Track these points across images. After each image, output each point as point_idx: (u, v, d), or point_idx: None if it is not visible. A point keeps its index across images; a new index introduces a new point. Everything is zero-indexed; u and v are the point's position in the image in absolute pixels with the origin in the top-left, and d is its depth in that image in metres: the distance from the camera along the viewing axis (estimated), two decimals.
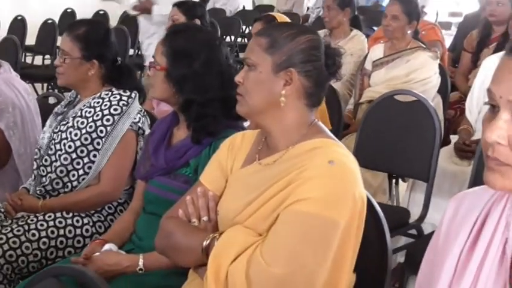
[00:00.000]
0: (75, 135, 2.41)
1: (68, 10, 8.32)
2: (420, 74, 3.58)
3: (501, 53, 1.09)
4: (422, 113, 2.86)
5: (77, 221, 2.38)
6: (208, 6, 9.29)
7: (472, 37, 4.44)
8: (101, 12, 8.21)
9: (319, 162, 1.51)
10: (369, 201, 1.73)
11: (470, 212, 1.20)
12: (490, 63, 3.02)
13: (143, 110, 2.53)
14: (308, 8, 8.99)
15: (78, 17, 7.98)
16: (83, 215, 2.40)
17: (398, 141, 2.96)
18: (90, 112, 2.43)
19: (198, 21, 3.54)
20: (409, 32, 3.69)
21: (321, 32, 4.34)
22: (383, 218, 1.74)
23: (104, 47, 2.51)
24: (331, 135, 1.67)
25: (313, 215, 1.46)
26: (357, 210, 1.52)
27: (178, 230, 1.69)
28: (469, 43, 4.39)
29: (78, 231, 2.37)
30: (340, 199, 1.49)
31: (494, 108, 1.06)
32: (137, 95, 2.49)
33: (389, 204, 3.19)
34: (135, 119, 2.44)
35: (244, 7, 9.43)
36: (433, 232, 1.35)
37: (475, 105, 3.15)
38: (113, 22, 7.86)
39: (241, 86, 1.63)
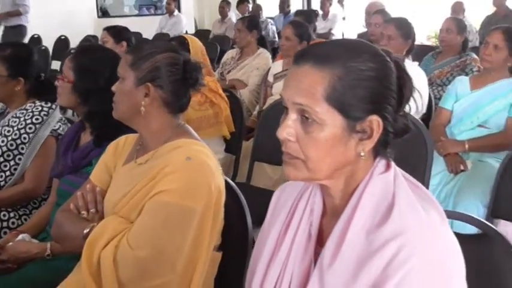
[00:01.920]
0: (2, 141, 2.36)
1: (35, 36, 8.10)
2: None
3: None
4: None
5: (4, 216, 2.29)
6: (156, 31, 9.27)
7: None
8: (62, 37, 8.01)
9: (178, 159, 1.50)
10: (232, 189, 1.73)
11: (288, 200, 1.20)
12: None
13: (63, 119, 2.48)
14: None
15: (44, 41, 7.91)
16: (10, 210, 2.32)
17: None
18: (15, 122, 2.38)
19: (124, 44, 3.47)
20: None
21: (233, 51, 4.36)
22: (243, 201, 1.73)
23: (28, 66, 2.45)
24: (195, 136, 1.65)
25: (171, 204, 1.45)
26: (212, 199, 1.51)
27: (68, 221, 1.66)
28: None
29: (5, 224, 2.28)
30: (197, 189, 1.48)
31: (285, 110, 1.05)
32: (58, 106, 2.42)
33: None
34: (55, 126, 2.39)
35: (186, 31, 9.35)
36: None
37: None
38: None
39: (115, 94, 1.61)
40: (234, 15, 9.44)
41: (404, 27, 3.27)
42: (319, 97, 0.99)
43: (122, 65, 1.61)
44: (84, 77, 1.98)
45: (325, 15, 8.64)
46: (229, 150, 3.24)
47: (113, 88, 1.62)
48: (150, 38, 8.64)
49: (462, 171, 2.77)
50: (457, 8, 6.72)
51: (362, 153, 1.02)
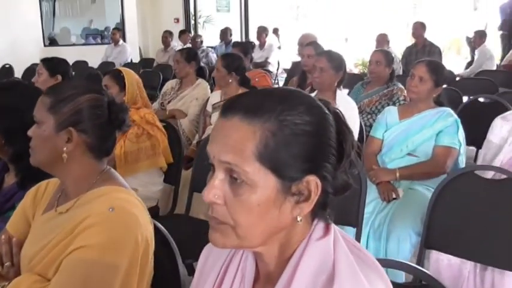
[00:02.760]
0: None
1: None
2: None
3: None
4: None
5: None
6: (102, 59, 8.91)
7: (293, 82, 4.37)
8: (7, 65, 7.54)
9: (100, 210, 1.26)
10: (164, 236, 1.51)
11: (216, 262, 0.99)
12: None
13: None
14: None
15: None
16: None
17: None
18: None
19: (59, 77, 3.17)
20: (230, 81, 3.50)
21: (173, 81, 4.14)
22: (175, 249, 1.49)
23: None
24: (121, 181, 1.41)
25: (91, 261, 1.20)
26: (139, 252, 1.27)
27: None
28: (291, 86, 4.29)
29: None
30: (120, 243, 1.24)
31: (212, 168, 0.85)
32: None
33: None
34: None
35: (131, 60, 9.04)
36: None
37: None
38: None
39: (32, 139, 1.35)
40: (176, 44, 9.22)
41: (335, 60, 3.14)
42: (249, 155, 0.79)
43: (38, 108, 1.35)
44: (6, 116, 1.71)
45: (262, 45, 8.55)
46: (168, 181, 3.01)
47: (29, 133, 1.36)
48: (96, 66, 8.31)
49: (394, 199, 2.65)
50: (381, 40, 6.75)
51: (299, 218, 0.83)
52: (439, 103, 2.87)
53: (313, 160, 0.81)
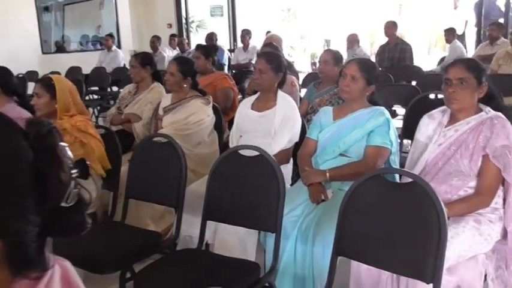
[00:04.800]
0: None
1: None
2: (195, 117, 3.20)
3: None
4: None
5: None
6: (96, 65, 8.74)
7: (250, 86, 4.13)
8: None
9: None
10: None
11: None
12: None
13: None
14: None
15: None
16: None
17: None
18: None
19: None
20: (185, 85, 3.29)
21: (131, 85, 3.93)
22: None
23: None
24: None
25: None
26: None
27: None
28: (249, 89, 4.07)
29: None
30: None
31: None
32: None
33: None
34: None
35: (125, 64, 8.85)
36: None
37: None
38: None
39: None
40: (166, 48, 9.03)
41: (274, 61, 2.91)
42: None
43: None
44: None
45: (246, 48, 8.33)
46: (107, 187, 2.81)
47: None
48: (89, 71, 8.17)
49: (323, 201, 2.43)
50: (352, 39, 6.51)
51: None
52: (373, 102, 2.64)
53: None
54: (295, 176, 2.95)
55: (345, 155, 2.55)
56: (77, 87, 6.02)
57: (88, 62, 8.86)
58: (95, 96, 8.07)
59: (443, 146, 2.14)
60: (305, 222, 2.35)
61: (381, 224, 1.78)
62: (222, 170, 2.30)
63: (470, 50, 7.87)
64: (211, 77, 4.22)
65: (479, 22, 7.79)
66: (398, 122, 5.07)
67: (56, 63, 8.80)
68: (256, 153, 2.24)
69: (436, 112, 2.28)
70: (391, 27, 6.51)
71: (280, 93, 2.95)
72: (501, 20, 7.20)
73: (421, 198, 1.71)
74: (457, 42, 6.85)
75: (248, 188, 2.23)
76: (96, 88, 8.04)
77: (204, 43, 8.93)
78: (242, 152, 2.30)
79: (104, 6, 10.48)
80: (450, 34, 6.92)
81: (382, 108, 2.57)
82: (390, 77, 5.24)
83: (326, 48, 13.54)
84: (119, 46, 9.96)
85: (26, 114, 2.85)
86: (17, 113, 2.92)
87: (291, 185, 2.89)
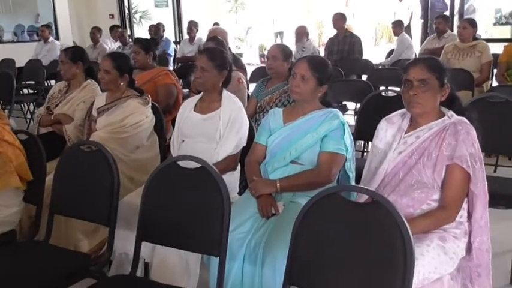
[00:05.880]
0: None
1: None
2: (132, 119, 2.88)
3: None
4: None
5: None
6: (32, 57, 8.13)
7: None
8: None
9: None
10: None
11: None
12: None
13: None
14: None
15: None
16: None
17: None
18: None
19: None
20: (121, 83, 2.96)
21: (61, 83, 3.54)
22: None
23: None
24: None
25: None
26: None
27: None
28: (193, 87, 3.75)
29: None
30: None
31: None
32: None
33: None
34: None
35: None
36: None
37: None
38: None
39: None
40: (108, 40, 8.52)
41: (218, 58, 2.63)
42: None
43: None
44: None
45: (192, 40, 7.97)
46: (30, 200, 2.45)
47: None
48: (23, 64, 7.57)
49: (274, 215, 2.18)
50: (301, 31, 6.29)
51: None
52: (326, 103, 2.42)
53: None
54: (243, 185, 2.69)
55: (296, 162, 2.31)
56: (6, 81, 5.54)
57: (23, 53, 8.23)
58: (30, 91, 7.51)
59: (403, 154, 1.93)
60: (254, 240, 2.09)
61: (339, 249, 1.55)
62: (159, 183, 2.00)
63: (416, 43, 7.84)
64: (151, 72, 3.89)
65: (425, 14, 7.77)
66: (349, 118, 4.95)
67: None
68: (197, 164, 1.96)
69: (394, 116, 2.07)
70: (339, 20, 6.33)
71: (225, 93, 2.68)
72: (446, 13, 7.19)
73: (383, 219, 1.49)
74: (405, 35, 6.77)
75: (188, 205, 1.95)
76: (32, 82, 7.47)
77: (148, 35, 8.55)
78: (182, 163, 2.02)
79: None
80: (397, 26, 6.83)
81: (336, 111, 2.35)
82: (340, 72, 5.07)
83: (279, 41, 13.37)
84: (57, 37, 9.35)
85: None
86: None
87: (239, 193, 2.63)
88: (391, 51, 7.01)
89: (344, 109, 5.05)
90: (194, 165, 1.97)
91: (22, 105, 7.19)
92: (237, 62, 4.21)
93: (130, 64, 3.05)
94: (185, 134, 2.67)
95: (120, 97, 2.97)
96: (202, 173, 1.92)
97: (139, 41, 4.03)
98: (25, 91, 7.64)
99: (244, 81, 3.74)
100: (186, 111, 2.71)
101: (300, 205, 2.14)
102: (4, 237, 2.32)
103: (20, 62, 7.73)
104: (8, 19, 10.17)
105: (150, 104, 3.02)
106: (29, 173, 2.39)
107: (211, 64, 2.59)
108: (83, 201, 2.25)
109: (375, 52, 9.87)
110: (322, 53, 6.74)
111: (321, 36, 14.51)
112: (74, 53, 3.37)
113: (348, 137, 2.29)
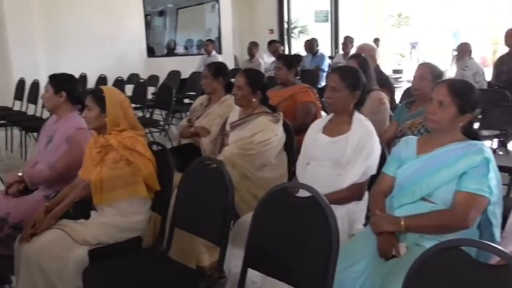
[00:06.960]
0: None
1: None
2: (261, 136, 2.85)
3: None
4: None
5: None
6: (196, 69, 8.75)
7: None
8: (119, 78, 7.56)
9: None
10: None
11: None
12: None
13: None
14: None
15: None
16: None
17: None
18: None
19: (64, 94, 2.86)
20: (254, 100, 2.96)
21: (203, 97, 3.68)
22: None
23: None
24: None
25: None
26: None
27: None
28: None
29: None
30: None
31: None
32: None
33: None
34: None
35: None
36: None
37: None
38: None
39: None
40: (264, 55, 8.79)
41: (350, 78, 2.45)
42: None
43: None
44: None
45: (345, 56, 7.80)
46: (156, 210, 2.55)
47: None
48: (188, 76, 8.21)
49: (394, 256, 1.93)
50: (463, 49, 5.69)
51: None
52: (470, 134, 2.09)
53: None
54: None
55: (427, 199, 2.02)
56: (166, 91, 5.98)
57: (189, 66, 8.92)
58: (191, 101, 8.08)
59: None
60: (368, 282, 1.88)
61: None
62: (268, 210, 1.91)
63: None
64: (292, 89, 3.85)
65: None
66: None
67: (158, 66, 8.98)
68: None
69: None
70: None
71: (356, 115, 2.49)
72: None
73: None
74: None
75: (296, 235, 1.82)
76: (193, 93, 8.04)
77: (304, 50, 8.62)
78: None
79: (213, 10, 10.53)
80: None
81: (481, 144, 2.01)
82: (507, 95, 4.47)
83: (414, 53, 12.35)
84: (220, 51, 9.94)
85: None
86: (77, 123, 2.79)
87: (364, 225, 2.41)
88: None
89: (509, 138, 4.42)
90: (307, 193, 1.83)
91: (182, 114, 7.76)
92: (383, 81, 3.96)
93: (263, 81, 3.05)
94: (310, 156, 2.55)
95: (252, 113, 2.98)
96: (313, 203, 1.77)
97: (282, 57, 4.04)
98: (186, 101, 8.23)
99: (387, 102, 3.47)
100: (314, 132, 2.59)
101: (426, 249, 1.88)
102: (131, 243, 2.44)
103: (186, 74, 8.39)
104: (182, 34, 11.13)
105: (282, 121, 2.96)
106: (157, 183, 2.49)
107: (342, 84, 2.44)
108: (198, 217, 2.26)
109: None
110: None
111: (495, 53, 13.21)
112: (216, 69, 3.49)
113: (494, 177, 1.94)
